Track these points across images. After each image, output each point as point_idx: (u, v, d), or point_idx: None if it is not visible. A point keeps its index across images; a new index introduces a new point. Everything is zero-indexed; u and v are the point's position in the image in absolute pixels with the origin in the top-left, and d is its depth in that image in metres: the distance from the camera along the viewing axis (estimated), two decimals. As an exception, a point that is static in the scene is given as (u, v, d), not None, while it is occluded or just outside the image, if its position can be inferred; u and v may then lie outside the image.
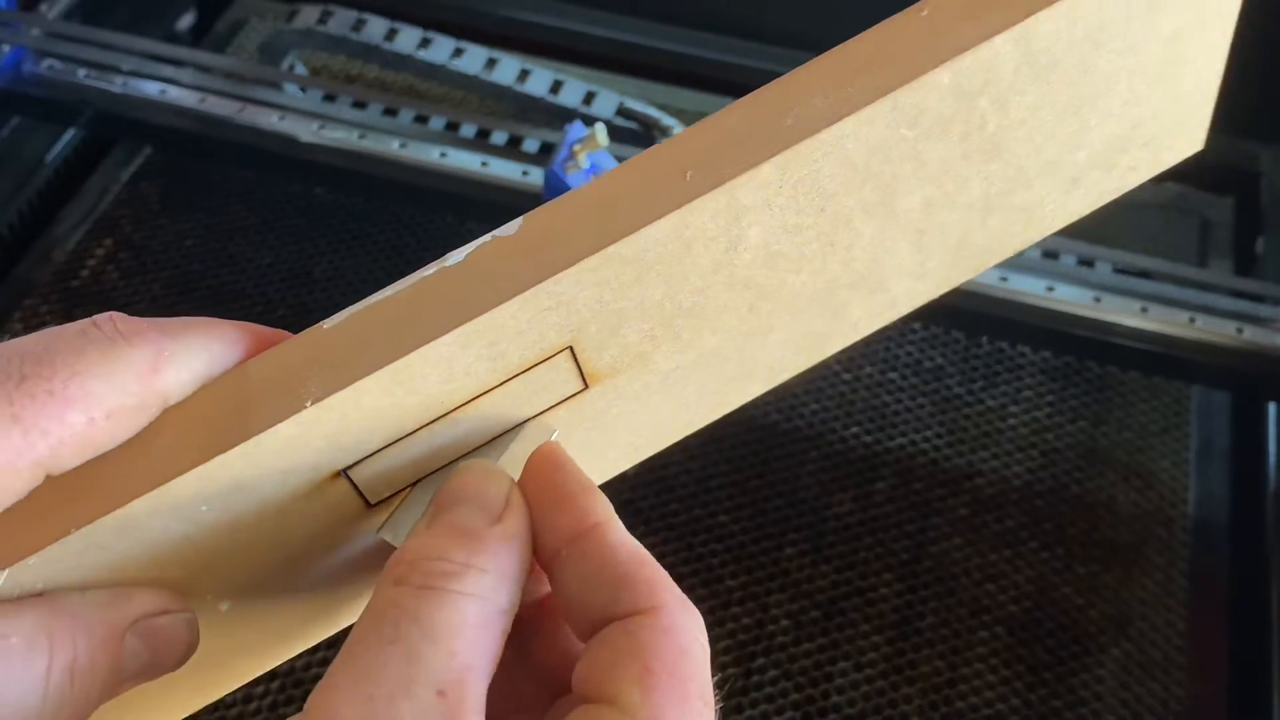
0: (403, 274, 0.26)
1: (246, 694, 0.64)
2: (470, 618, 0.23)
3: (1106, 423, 0.77)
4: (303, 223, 0.85)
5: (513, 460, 0.27)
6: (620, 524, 0.26)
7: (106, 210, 0.86)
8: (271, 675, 0.65)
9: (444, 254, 0.26)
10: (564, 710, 0.25)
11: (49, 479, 0.24)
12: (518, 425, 0.28)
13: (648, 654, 0.24)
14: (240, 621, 0.28)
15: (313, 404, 0.24)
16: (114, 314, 0.25)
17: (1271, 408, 0.75)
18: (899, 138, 0.27)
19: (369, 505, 0.27)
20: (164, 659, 0.26)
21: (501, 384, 0.27)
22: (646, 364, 0.29)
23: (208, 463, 0.24)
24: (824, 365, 0.79)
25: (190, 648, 0.26)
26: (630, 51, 0.91)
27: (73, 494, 0.24)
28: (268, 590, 0.28)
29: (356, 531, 0.28)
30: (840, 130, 0.26)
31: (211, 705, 0.64)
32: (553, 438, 0.28)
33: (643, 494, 0.72)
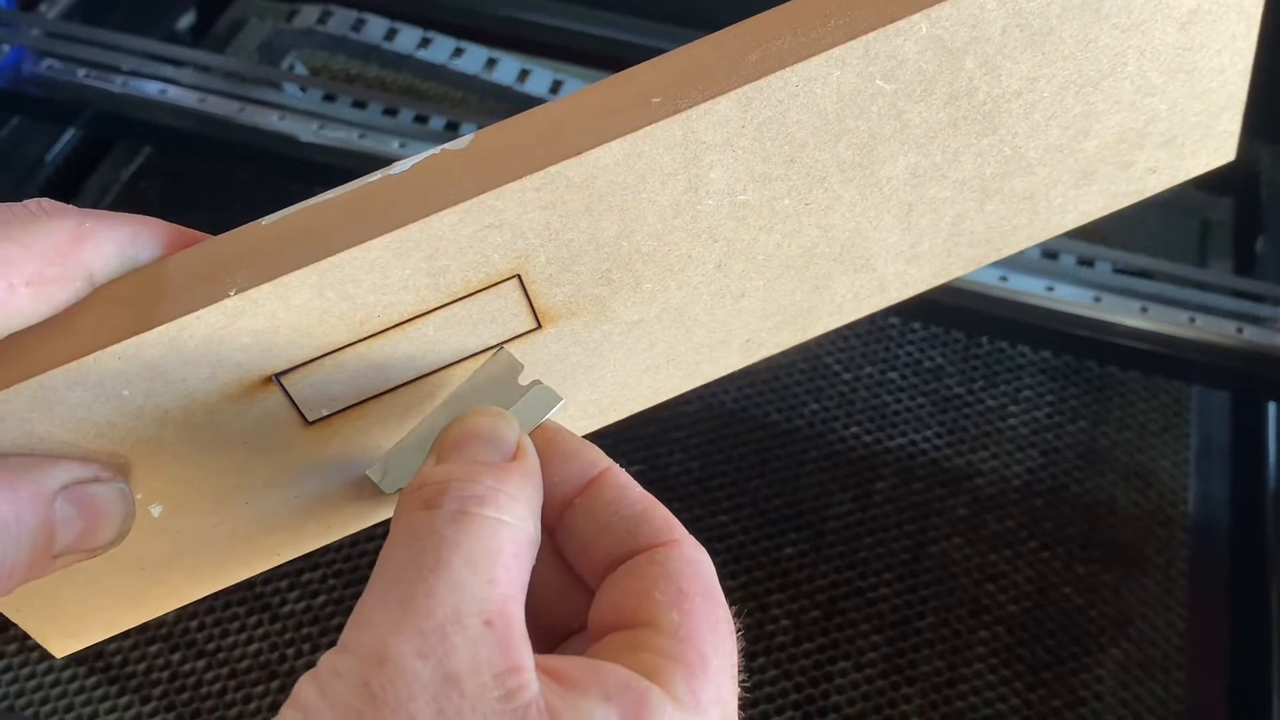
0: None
1: (247, 694, 0.64)
2: (506, 544, 0.23)
3: (1106, 423, 0.77)
4: (303, 223, 0.85)
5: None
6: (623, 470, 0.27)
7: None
8: (271, 675, 0.65)
9: None
10: (580, 647, 0.25)
11: None
12: (500, 381, 0.27)
13: (681, 579, 0.25)
14: (175, 531, 0.28)
15: (236, 294, 0.24)
16: (42, 198, 0.25)
17: (1271, 408, 0.75)
18: (875, 90, 0.26)
19: (306, 422, 0.27)
20: (98, 530, 0.26)
21: (444, 306, 0.26)
22: (605, 310, 0.28)
23: (126, 341, 0.24)
24: (824, 365, 0.79)
25: (126, 521, 0.26)
26: (630, 51, 0.91)
27: None
28: (202, 501, 0.28)
29: (296, 450, 0.27)
30: (806, 71, 0.25)
31: (213, 704, 0.64)
32: (521, 377, 0.27)
33: (643, 494, 0.72)
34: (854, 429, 0.76)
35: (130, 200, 0.86)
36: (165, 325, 0.24)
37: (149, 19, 0.93)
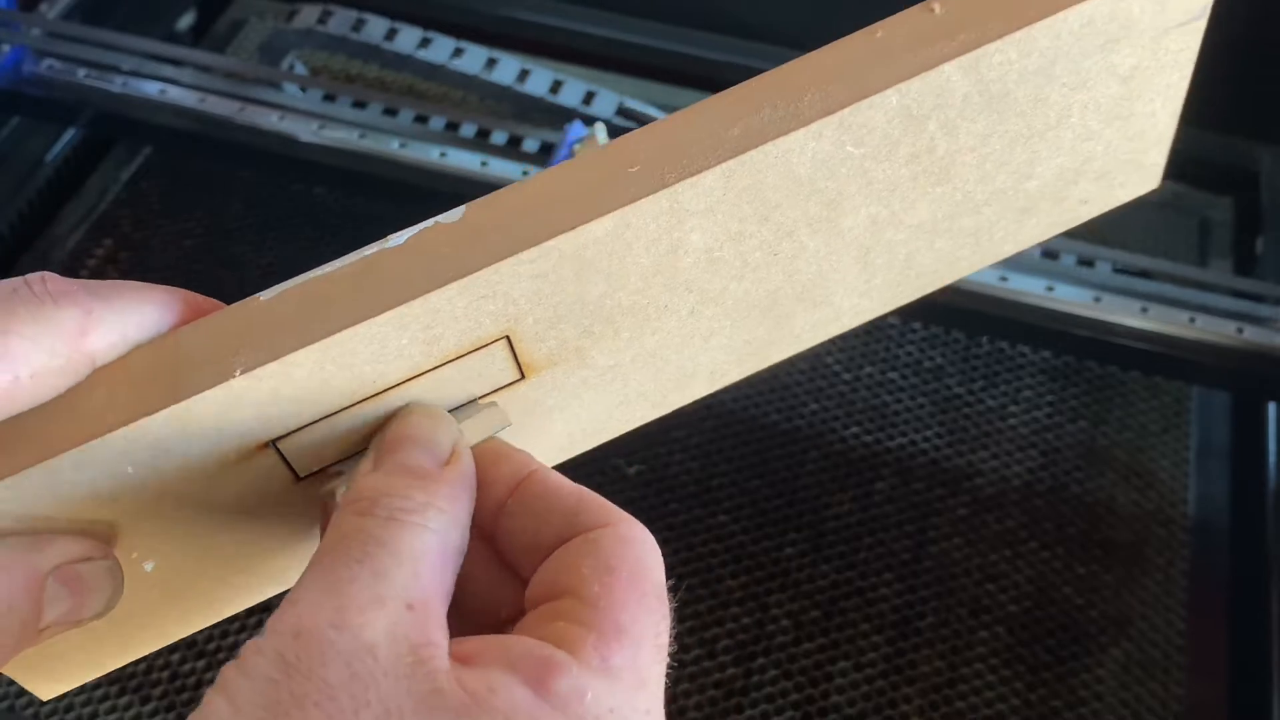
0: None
1: (246, 694, 0.64)
2: (432, 548, 0.24)
3: (1106, 423, 0.77)
4: (303, 223, 0.85)
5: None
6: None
7: (106, 210, 0.86)
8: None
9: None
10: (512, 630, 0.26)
11: None
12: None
13: (610, 556, 0.25)
14: (165, 582, 0.29)
15: (242, 373, 0.25)
16: (46, 274, 0.25)
17: (1271, 408, 0.75)
18: (845, 155, 0.27)
19: (298, 478, 0.28)
20: (86, 605, 0.26)
21: (435, 368, 0.27)
22: (584, 358, 0.29)
23: (134, 424, 0.25)
24: (824, 365, 0.79)
25: (114, 595, 0.27)
26: (630, 51, 0.91)
27: None
28: (193, 553, 0.28)
29: (285, 503, 0.28)
30: (786, 144, 0.26)
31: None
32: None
33: (643, 494, 0.72)
34: (854, 429, 0.76)
35: (130, 200, 0.86)
36: (172, 407, 0.25)
37: (149, 19, 0.93)
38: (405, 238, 0.26)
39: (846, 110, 0.26)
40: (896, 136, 0.28)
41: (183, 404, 0.25)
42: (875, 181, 0.28)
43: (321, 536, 0.27)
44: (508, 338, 0.27)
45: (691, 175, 0.26)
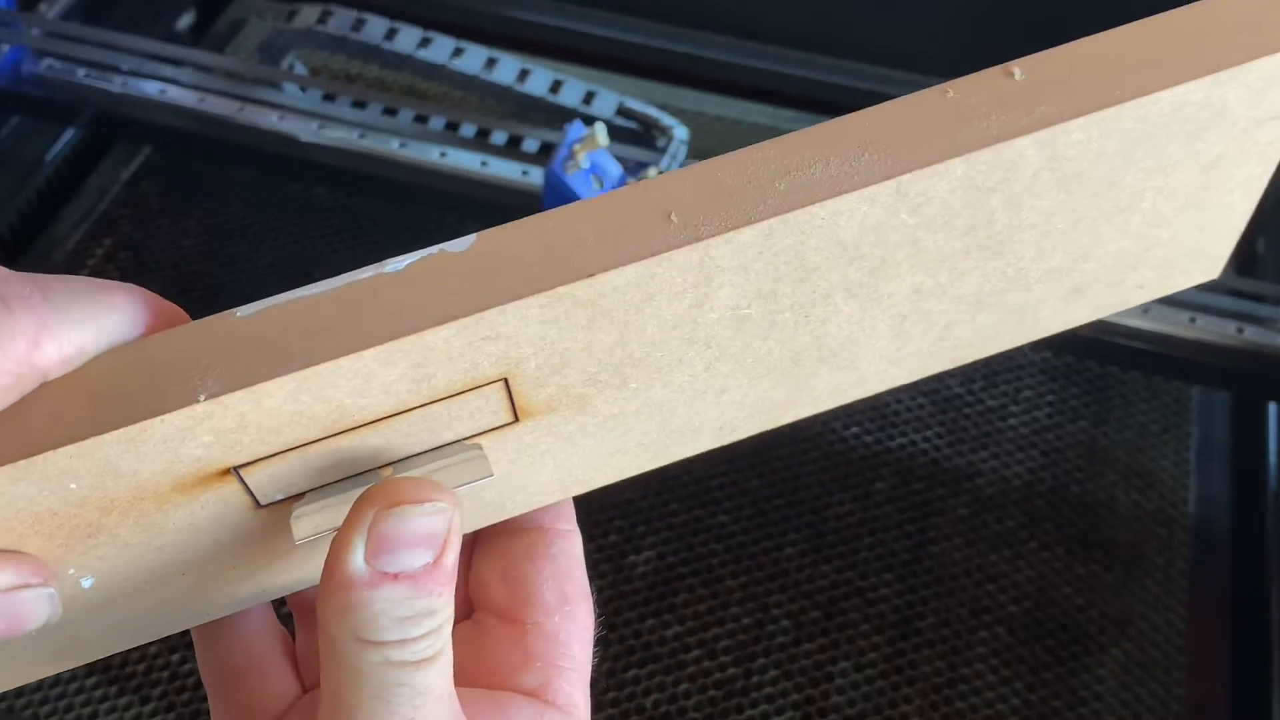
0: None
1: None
2: (447, 669, 0.25)
3: (1106, 423, 0.77)
4: (303, 223, 0.85)
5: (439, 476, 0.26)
6: None
7: (106, 210, 0.86)
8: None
9: None
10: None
11: None
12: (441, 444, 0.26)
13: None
14: (103, 599, 0.27)
15: (206, 399, 0.23)
16: (4, 275, 0.23)
17: (1271, 408, 0.75)
18: (898, 222, 0.25)
19: (258, 505, 0.26)
20: (19, 629, 0.25)
21: (422, 406, 0.25)
22: (585, 405, 0.26)
23: (83, 441, 0.22)
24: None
25: (49, 619, 0.25)
26: (630, 51, 0.91)
27: None
28: (137, 574, 0.26)
29: (241, 527, 0.26)
30: (835, 207, 0.24)
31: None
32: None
33: (643, 494, 0.72)
34: (854, 429, 0.76)
35: (130, 200, 0.86)
36: (126, 428, 0.23)
37: (149, 19, 0.93)
38: (405, 264, 0.24)
39: (907, 176, 0.24)
40: (956, 208, 0.25)
41: (138, 425, 0.22)
42: (925, 251, 0.26)
43: (279, 559, 0.27)
44: (505, 380, 0.25)
45: (728, 231, 0.23)
